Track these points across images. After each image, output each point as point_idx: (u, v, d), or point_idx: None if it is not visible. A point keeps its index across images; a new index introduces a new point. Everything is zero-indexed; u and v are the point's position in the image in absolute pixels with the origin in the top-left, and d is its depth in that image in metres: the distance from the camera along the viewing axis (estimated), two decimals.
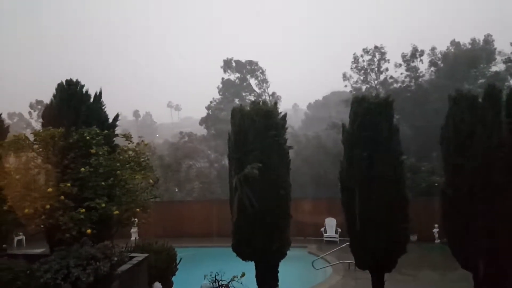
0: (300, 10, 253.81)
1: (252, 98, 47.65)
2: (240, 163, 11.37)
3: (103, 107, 11.61)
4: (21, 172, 8.90)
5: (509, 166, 9.50)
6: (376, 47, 43.79)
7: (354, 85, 44.60)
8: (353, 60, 44.30)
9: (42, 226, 8.87)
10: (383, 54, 43.48)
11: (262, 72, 50.48)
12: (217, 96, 50.17)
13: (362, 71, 44.18)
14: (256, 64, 50.32)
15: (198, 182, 35.85)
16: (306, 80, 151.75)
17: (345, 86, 45.94)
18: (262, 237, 11.27)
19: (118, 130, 11.67)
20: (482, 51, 37.93)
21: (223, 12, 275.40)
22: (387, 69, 43.38)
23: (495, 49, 38.71)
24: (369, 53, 43.77)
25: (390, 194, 10.59)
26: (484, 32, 39.95)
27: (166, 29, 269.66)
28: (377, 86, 43.03)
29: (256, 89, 50.47)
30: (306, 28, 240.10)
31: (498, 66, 37.57)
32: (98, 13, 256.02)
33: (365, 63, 44.09)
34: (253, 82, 50.82)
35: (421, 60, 39.84)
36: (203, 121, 49.71)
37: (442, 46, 40.81)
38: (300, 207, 23.10)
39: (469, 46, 39.90)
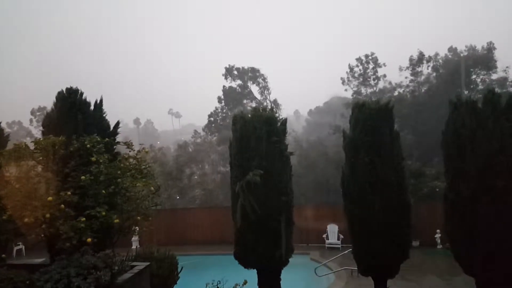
0: (302, 15, 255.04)
1: (254, 105, 47.80)
2: (242, 170, 11.34)
3: (104, 115, 11.62)
4: (22, 181, 8.83)
5: (510, 170, 9.45)
6: (367, 55, 44.61)
7: (354, 89, 45.19)
8: (348, 70, 45.34)
9: (42, 235, 8.81)
10: (375, 61, 44.16)
11: (264, 79, 50.53)
12: (218, 103, 50.32)
13: (361, 78, 44.77)
14: (258, 71, 50.38)
15: (200, 189, 35.79)
16: (307, 87, 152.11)
17: (345, 90, 46.61)
18: (264, 244, 11.21)
19: (119, 138, 11.66)
20: (482, 59, 37.74)
21: (223, 20, 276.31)
22: (384, 76, 44.03)
23: (494, 54, 38.40)
24: (362, 62, 44.67)
25: (391, 199, 10.56)
26: (486, 40, 39.61)
27: (167, 37, 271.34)
28: (377, 91, 43.27)
29: (258, 96, 50.58)
30: (306, 34, 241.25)
31: (498, 74, 37.42)
32: (98, 21, 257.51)
33: (361, 71, 44.93)
34: (254, 89, 50.88)
35: (426, 66, 39.83)
36: (206, 127, 50.12)
37: (441, 53, 40.78)
38: (302, 213, 23.13)
39: (466, 53, 39.79)
